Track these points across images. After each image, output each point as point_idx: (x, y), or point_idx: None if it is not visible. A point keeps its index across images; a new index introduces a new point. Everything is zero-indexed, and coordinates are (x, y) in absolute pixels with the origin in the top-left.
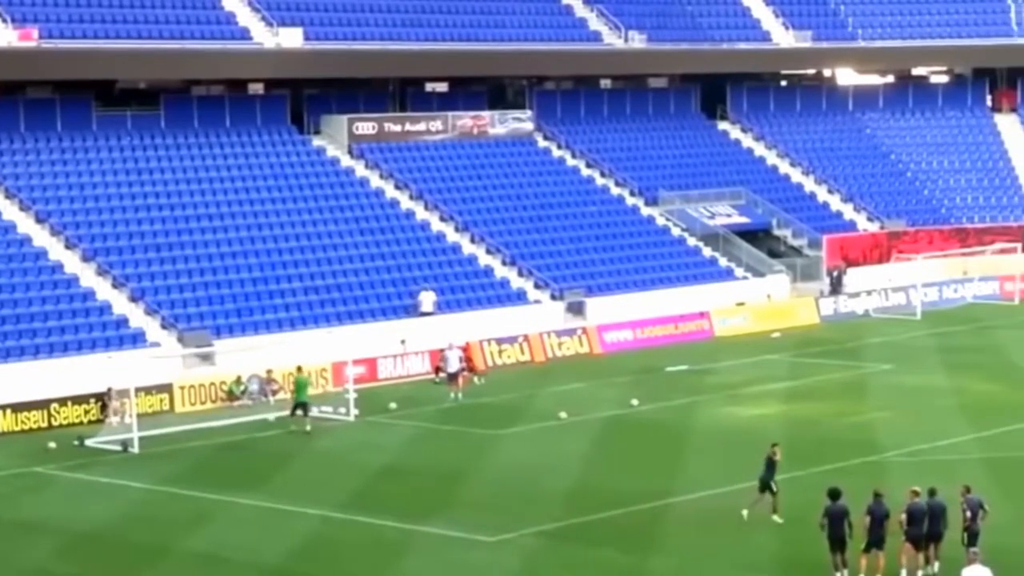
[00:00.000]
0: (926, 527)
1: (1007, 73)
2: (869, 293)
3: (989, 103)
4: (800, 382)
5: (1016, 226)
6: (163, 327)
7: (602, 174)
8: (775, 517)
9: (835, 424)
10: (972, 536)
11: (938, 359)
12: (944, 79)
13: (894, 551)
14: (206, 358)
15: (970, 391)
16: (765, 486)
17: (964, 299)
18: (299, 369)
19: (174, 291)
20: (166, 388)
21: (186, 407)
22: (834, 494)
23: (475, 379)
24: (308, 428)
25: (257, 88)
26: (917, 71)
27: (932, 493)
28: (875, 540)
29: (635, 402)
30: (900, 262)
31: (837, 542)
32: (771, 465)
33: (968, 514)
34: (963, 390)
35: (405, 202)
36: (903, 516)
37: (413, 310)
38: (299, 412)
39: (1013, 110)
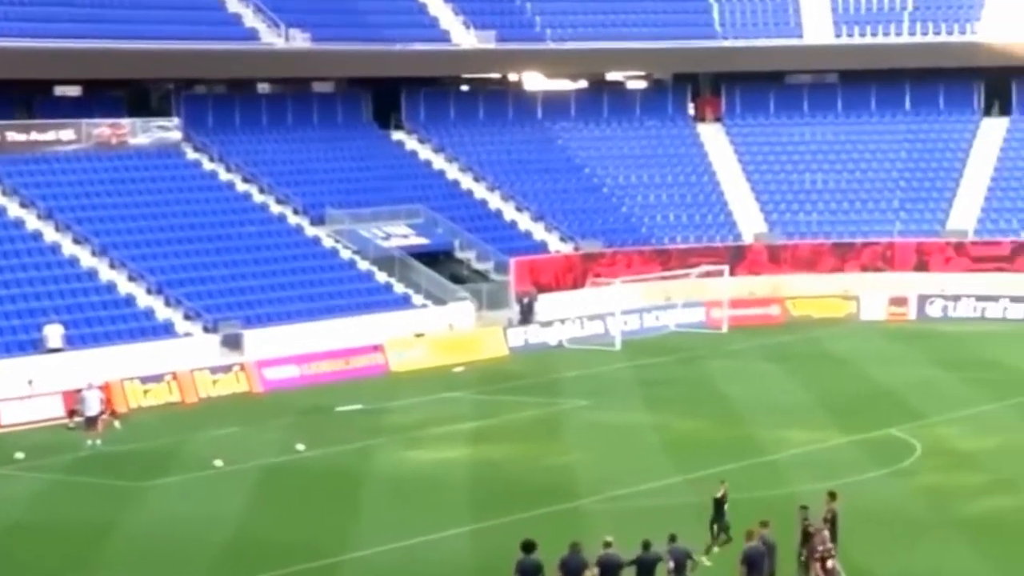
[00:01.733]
0: None
1: (711, 79)
2: (563, 322)
3: (691, 112)
4: (488, 421)
5: (722, 247)
6: None
7: (261, 190)
8: (703, 559)
9: (527, 468)
10: None
11: (640, 393)
12: (642, 85)
13: None
14: None
15: (674, 428)
16: (720, 528)
17: (667, 327)
18: None
19: None
20: None
21: None
22: (527, 547)
23: (115, 423)
24: None
25: None
26: (612, 76)
27: (646, 547)
28: None
29: (301, 447)
30: (596, 287)
31: None
32: (718, 505)
33: (671, 566)
34: (667, 427)
35: (32, 222)
36: (595, 569)
37: (40, 345)
38: None
39: (717, 119)
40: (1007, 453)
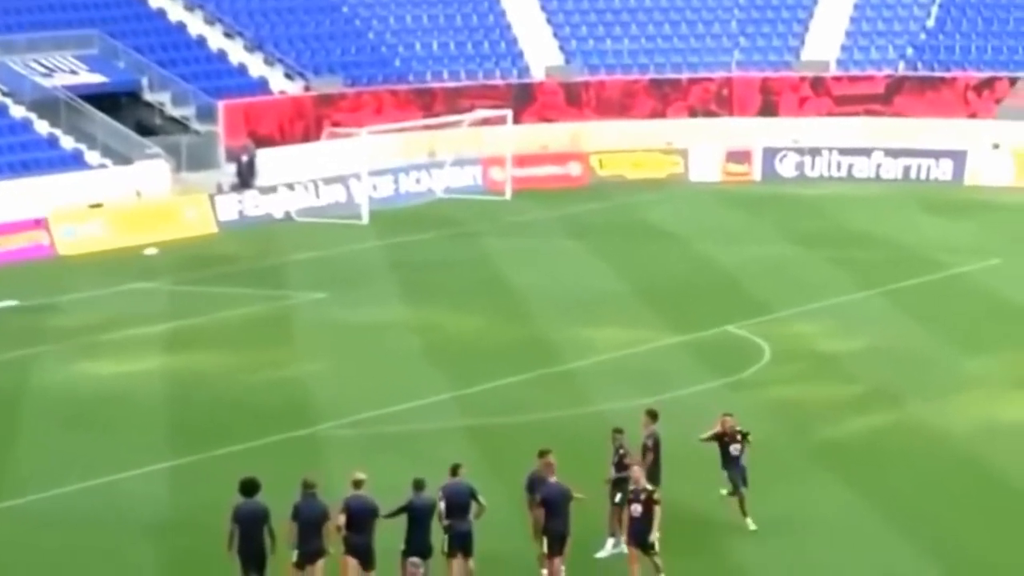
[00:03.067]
0: (415, 534)
1: None
2: (291, 187)
3: None
4: (190, 321)
5: (504, 85)
6: None
7: None
8: (748, 521)
9: (245, 384)
10: (460, 538)
11: (396, 282)
12: None
13: (334, 569)
14: None
15: (442, 329)
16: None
17: (432, 193)
18: None
19: None
20: None
21: None
22: (248, 488)
23: None
24: None
25: None
26: None
27: (419, 486)
28: (309, 552)
29: None
30: (336, 139)
31: (252, 559)
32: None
33: (442, 507)
34: (432, 327)
35: None
36: (341, 517)
37: None
38: None
39: None
40: (881, 356)
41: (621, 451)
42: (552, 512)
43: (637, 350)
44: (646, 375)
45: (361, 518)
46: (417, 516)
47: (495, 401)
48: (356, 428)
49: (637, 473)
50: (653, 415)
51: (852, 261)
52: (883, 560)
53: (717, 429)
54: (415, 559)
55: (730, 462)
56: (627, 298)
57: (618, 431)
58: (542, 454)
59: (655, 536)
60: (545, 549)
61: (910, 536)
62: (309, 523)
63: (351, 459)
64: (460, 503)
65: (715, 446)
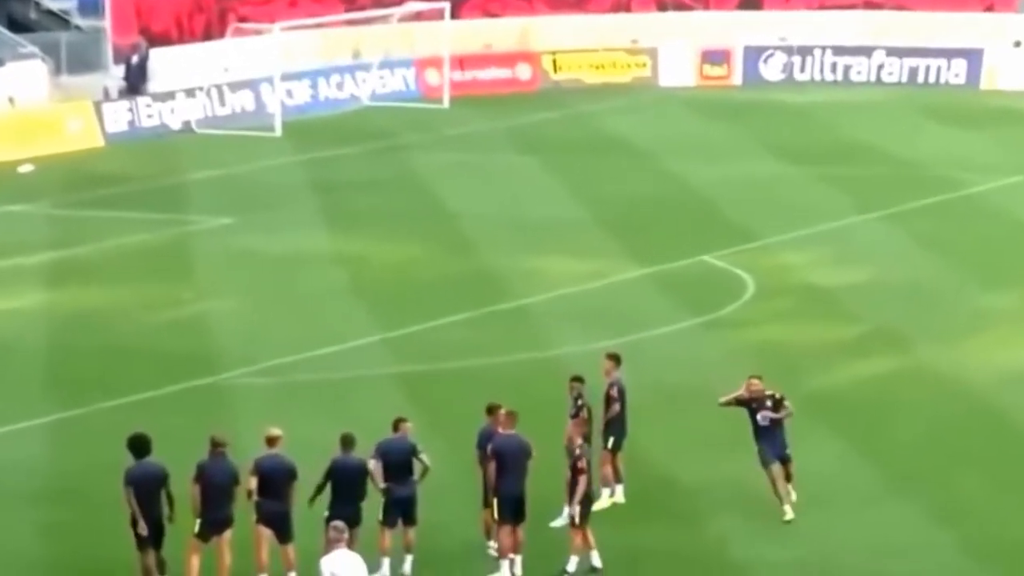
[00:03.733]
0: (340, 500)
1: None
2: (191, 93)
3: None
4: (73, 251)
5: None
6: None
7: None
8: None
9: (137, 323)
10: (400, 504)
11: (315, 205)
12: None
13: (245, 542)
14: None
15: (372, 260)
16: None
17: (357, 100)
18: None
19: None
20: None
21: None
22: (138, 446)
23: None
24: None
25: None
26: None
27: (347, 444)
28: (215, 521)
29: None
30: (243, 37)
31: (147, 531)
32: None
33: (372, 465)
34: (360, 258)
35: None
36: (253, 480)
37: None
38: None
39: None
40: (883, 291)
41: (580, 402)
42: (505, 468)
43: (598, 284)
44: (608, 314)
45: (276, 481)
46: (342, 479)
47: (432, 344)
48: (270, 376)
49: (571, 431)
50: (616, 359)
51: (849, 179)
52: (884, 528)
53: (741, 393)
54: (338, 523)
55: (760, 434)
56: (586, 224)
57: (577, 379)
58: (491, 410)
59: (574, 510)
60: (495, 515)
61: (916, 500)
62: (215, 487)
63: (264, 412)
64: (400, 463)
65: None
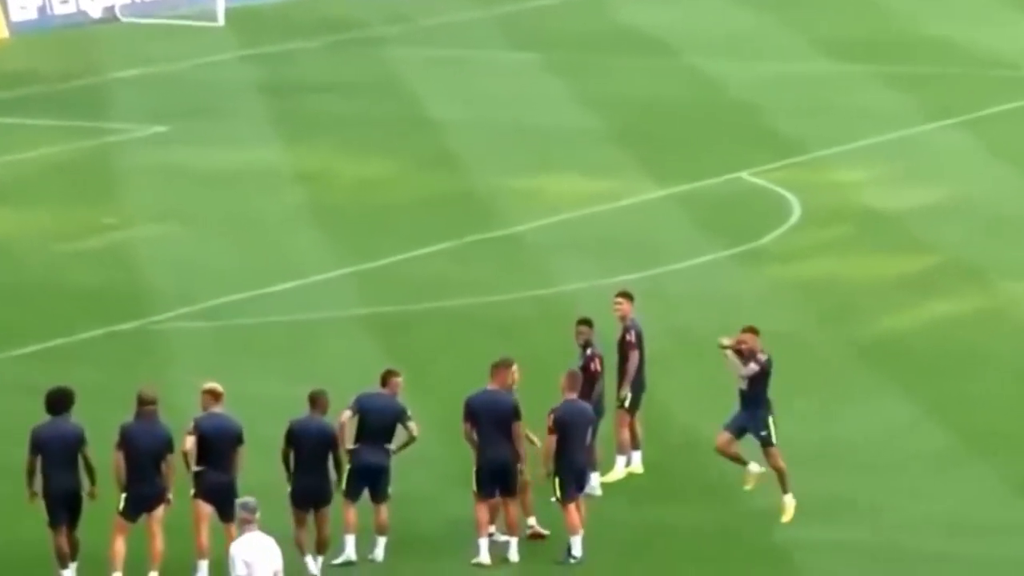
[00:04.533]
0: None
1: None
2: None
3: None
4: None
5: None
6: None
7: None
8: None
9: (52, 256)
10: (368, 473)
11: (266, 111)
12: None
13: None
14: None
15: (335, 178)
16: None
17: None
18: None
19: None
20: None
21: None
22: (56, 401)
23: None
24: None
25: None
26: None
27: (314, 403)
28: (144, 496)
29: None
30: None
31: (60, 502)
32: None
33: (346, 416)
34: (321, 175)
35: None
36: (190, 440)
37: None
38: None
39: None
40: (958, 215)
41: (589, 351)
42: (484, 430)
43: (609, 207)
44: (622, 243)
45: (218, 446)
46: (301, 447)
47: (407, 280)
48: (211, 319)
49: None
50: (629, 297)
51: (917, 79)
52: (956, 503)
53: (732, 342)
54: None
55: (742, 401)
56: (596, 134)
57: (585, 323)
58: (497, 367)
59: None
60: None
61: (997, 468)
62: (143, 455)
63: (205, 363)
64: (381, 426)
65: None
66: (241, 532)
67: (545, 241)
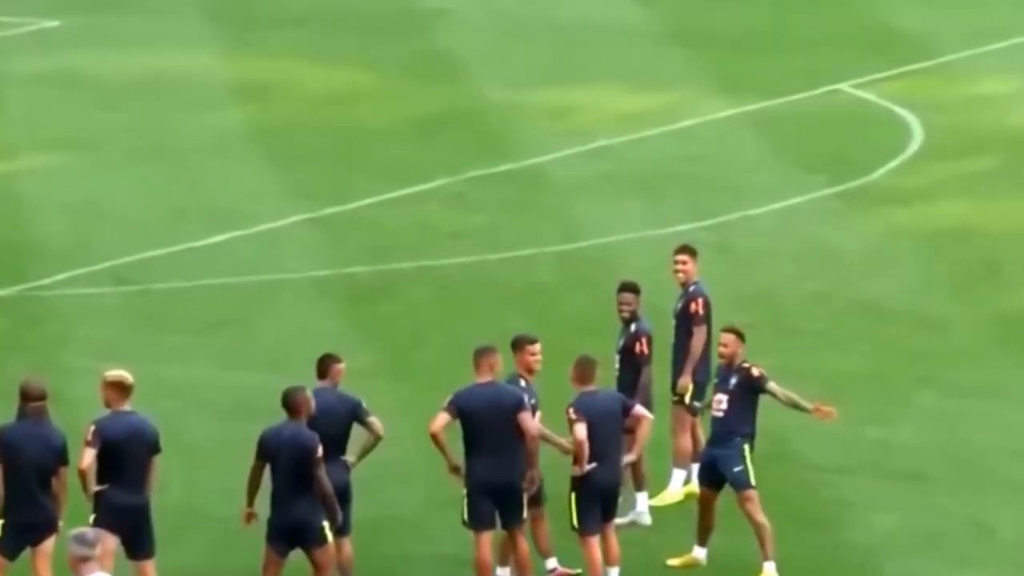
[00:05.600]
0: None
1: None
2: None
3: None
4: None
5: None
6: None
7: None
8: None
9: None
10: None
11: (193, 1)
12: None
13: None
14: None
15: (289, 91)
16: None
17: None
18: None
19: None
20: None
21: None
22: None
23: None
24: None
25: None
26: None
27: (291, 406)
28: (27, 525)
29: None
30: None
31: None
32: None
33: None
34: (268, 88)
35: None
36: (89, 454)
37: None
38: None
39: None
40: None
41: (634, 327)
42: (476, 433)
43: (662, 131)
44: (680, 181)
45: (127, 457)
46: (278, 462)
47: (383, 231)
48: (119, 283)
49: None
50: (693, 254)
51: None
52: None
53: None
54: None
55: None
56: (645, 32)
57: (628, 289)
58: (518, 344)
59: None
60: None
61: None
62: (28, 468)
63: (108, 343)
64: (331, 432)
65: None
66: (75, 572)
67: (574, 178)
